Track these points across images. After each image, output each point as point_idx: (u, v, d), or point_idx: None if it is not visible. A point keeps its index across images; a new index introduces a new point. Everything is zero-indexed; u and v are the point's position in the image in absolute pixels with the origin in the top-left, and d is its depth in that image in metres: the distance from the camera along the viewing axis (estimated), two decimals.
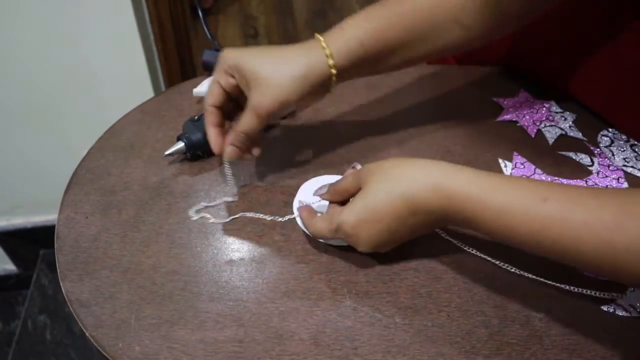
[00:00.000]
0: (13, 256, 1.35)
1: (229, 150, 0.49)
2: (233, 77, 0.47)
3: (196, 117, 0.57)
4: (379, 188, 0.41)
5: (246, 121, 0.47)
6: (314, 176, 0.55)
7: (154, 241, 0.49)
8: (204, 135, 0.52)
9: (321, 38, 0.46)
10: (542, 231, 0.36)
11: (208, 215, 0.50)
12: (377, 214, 0.41)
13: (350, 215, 0.42)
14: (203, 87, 0.63)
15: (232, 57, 0.46)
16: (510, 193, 0.38)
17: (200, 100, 0.64)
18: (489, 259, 0.47)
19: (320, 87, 0.46)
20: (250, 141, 0.49)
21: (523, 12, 0.47)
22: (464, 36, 0.48)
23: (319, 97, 0.49)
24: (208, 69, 0.65)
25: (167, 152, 0.56)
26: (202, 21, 0.66)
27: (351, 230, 0.42)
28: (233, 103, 0.51)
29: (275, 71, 0.45)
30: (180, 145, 0.55)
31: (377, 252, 0.45)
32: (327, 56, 0.45)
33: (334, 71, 0.46)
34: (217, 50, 0.65)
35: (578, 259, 0.36)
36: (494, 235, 0.39)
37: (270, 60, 0.45)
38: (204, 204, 0.52)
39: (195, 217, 0.50)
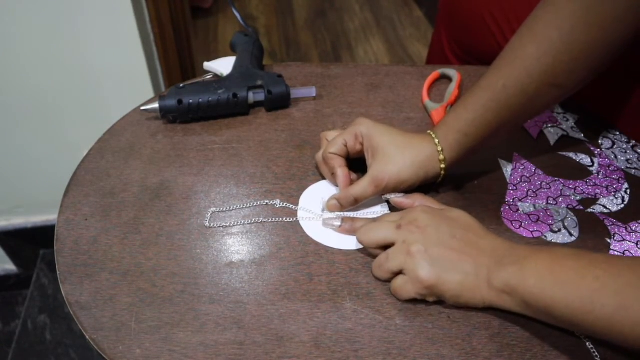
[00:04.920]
0: (13, 256, 1.35)
1: (332, 204, 0.51)
2: (361, 143, 0.51)
3: (181, 85, 0.60)
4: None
5: (362, 187, 0.49)
6: (316, 177, 0.55)
7: (153, 243, 0.48)
8: (179, 102, 0.58)
9: (433, 135, 0.51)
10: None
11: (225, 224, 0.50)
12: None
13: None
14: (215, 64, 0.64)
15: (367, 126, 0.50)
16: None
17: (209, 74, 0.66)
18: None
19: (430, 177, 0.51)
20: (353, 205, 0.51)
21: (610, 60, 0.47)
22: (559, 94, 0.49)
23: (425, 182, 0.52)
24: (233, 50, 0.67)
25: (142, 108, 0.60)
26: (231, 4, 0.69)
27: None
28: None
29: (400, 153, 0.49)
30: (156, 105, 0.58)
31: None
32: (438, 152, 0.50)
33: (443, 165, 0.50)
34: (247, 35, 0.68)
35: None
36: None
37: (398, 142, 0.50)
38: (213, 209, 0.52)
39: (209, 224, 0.50)
